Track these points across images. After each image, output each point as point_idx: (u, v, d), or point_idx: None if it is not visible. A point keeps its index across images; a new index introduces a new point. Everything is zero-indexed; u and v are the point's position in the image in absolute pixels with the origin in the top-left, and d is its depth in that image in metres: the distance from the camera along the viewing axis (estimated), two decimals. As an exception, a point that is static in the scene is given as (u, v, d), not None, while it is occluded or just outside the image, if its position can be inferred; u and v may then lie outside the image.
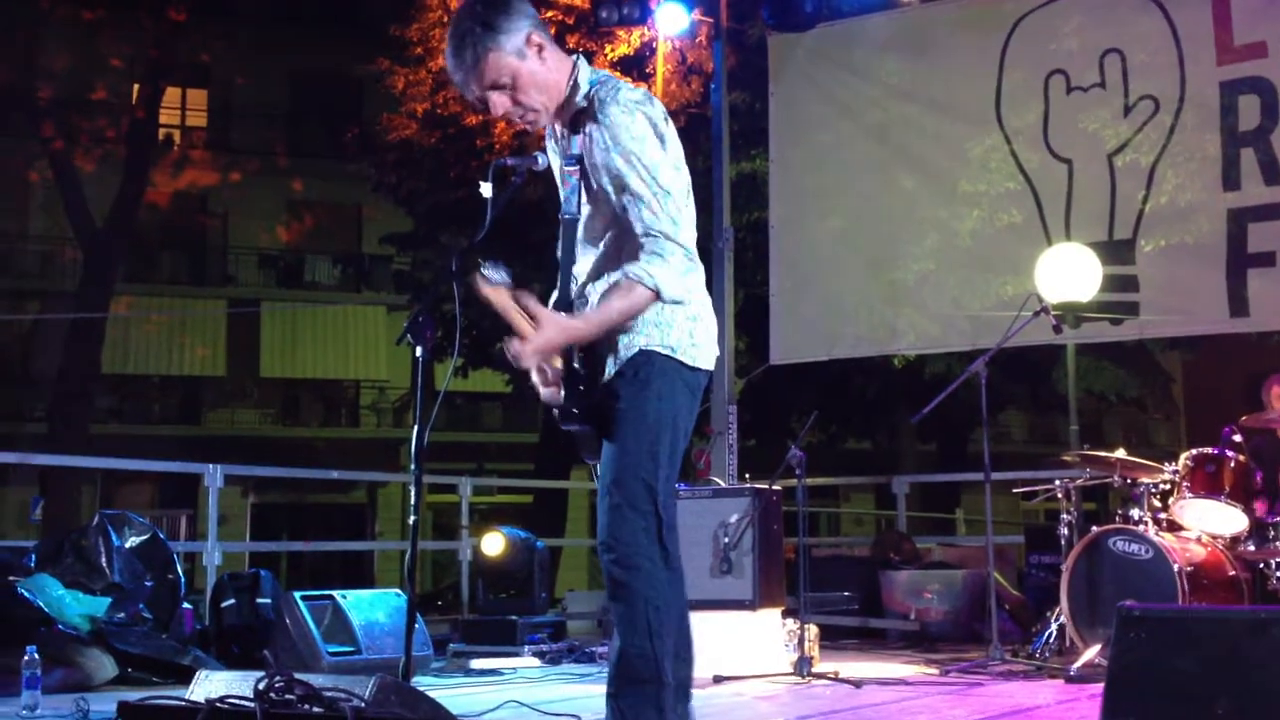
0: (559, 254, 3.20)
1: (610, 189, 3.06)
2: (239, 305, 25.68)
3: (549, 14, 13.39)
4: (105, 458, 11.32)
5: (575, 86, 3.13)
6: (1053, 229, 8.12)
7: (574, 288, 3.21)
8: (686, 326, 3.10)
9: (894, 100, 8.81)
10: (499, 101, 3.09)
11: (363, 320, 26.53)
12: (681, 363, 3.09)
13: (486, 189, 3.23)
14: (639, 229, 3.02)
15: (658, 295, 3.00)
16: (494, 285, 3.08)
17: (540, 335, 3.00)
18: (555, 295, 3.21)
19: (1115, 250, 7.87)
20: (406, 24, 13.98)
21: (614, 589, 3.00)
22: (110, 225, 19.76)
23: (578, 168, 3.11)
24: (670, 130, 3.13)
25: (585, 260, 3.20)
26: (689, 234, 3.08)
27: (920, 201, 8.67)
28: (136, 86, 21.04)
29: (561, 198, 3.19)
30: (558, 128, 3.22)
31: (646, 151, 3.02)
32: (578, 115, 3.12)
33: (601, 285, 3.15)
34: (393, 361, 25.91)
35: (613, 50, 12.43)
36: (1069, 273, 7.56)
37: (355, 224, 26.72)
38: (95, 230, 19.75)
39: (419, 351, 3.46)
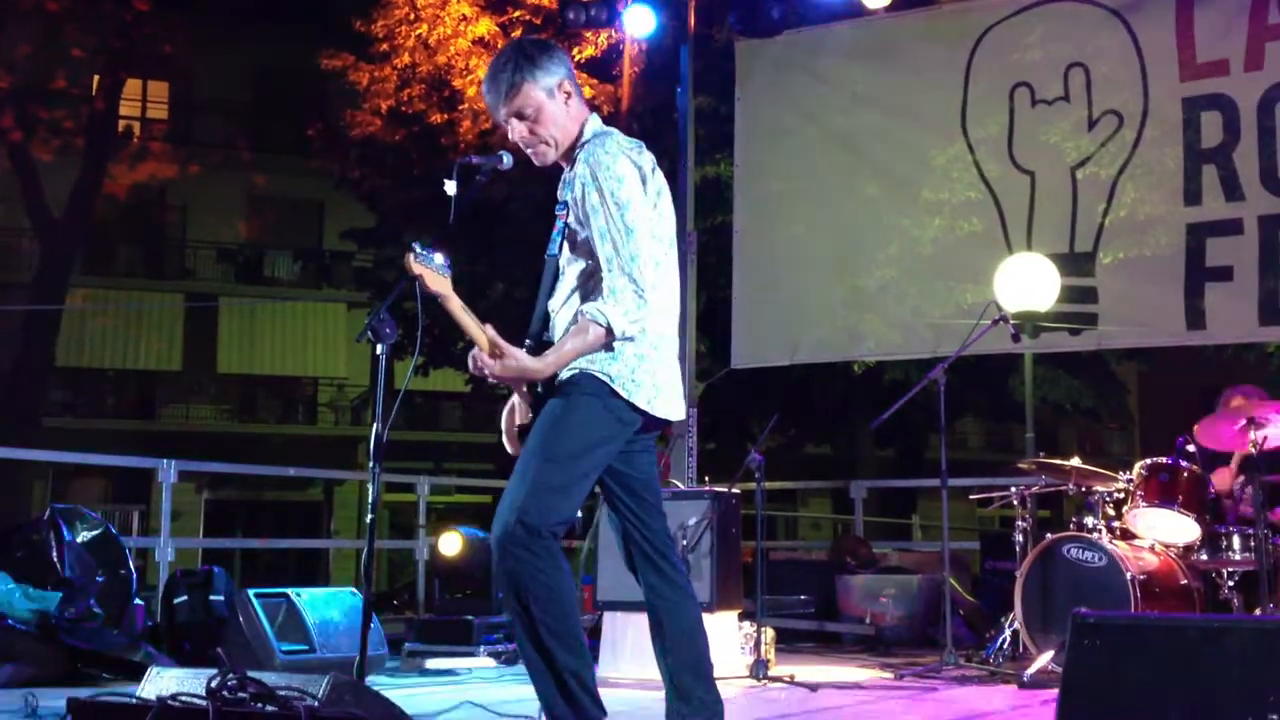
0: (540, 289, 3.39)
1: (583, 223, 3.25)
2: (197, 299, 25.44)
3: (517, 14, 13.36)
4: (57, 451, 11.14)
5: (581, 134, 3.37)
6: (1014, 240, 8.18)
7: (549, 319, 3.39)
8: (631, 362, 3.25)
9: (859, 108, 8.84)
10: (518, 128, 3.33)
11: (322, 317, 26.35)
12: (615, 391, 3.22)
13: (451, 187, 3.33)
14: (602, 263, 3.21)
15: (609, 332, 3.17)
16: (426, 266, 3.18)
17: (501, 366, 3.19)
18: (530, 329, 3.39)
19: (1075, 262, 7.95)
20: (372, 20, 13.91)
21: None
22: (68, 217, 19.53)
23: (566, 210, 3.32)
24: (659, 180, 3.36)
25: (561, 293, 3.36)
26: (648, 274, 3.22)
27: (883, 209, 8.70)
28: (97, 78, 20.79)
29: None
30: (565, 174, 3.41)
31: (620, 191, 3.22)
32: (574, 159, 3.35)
33: (565, 314, 3.33)
34: (352, 359, 25.76)
35: (580, 52, 12.38)
36: (1028, 282, 7.63)
37: (317, 220, 26.54)
38: (52, 221, 19.51)
39: (379, 349, 3.45)
